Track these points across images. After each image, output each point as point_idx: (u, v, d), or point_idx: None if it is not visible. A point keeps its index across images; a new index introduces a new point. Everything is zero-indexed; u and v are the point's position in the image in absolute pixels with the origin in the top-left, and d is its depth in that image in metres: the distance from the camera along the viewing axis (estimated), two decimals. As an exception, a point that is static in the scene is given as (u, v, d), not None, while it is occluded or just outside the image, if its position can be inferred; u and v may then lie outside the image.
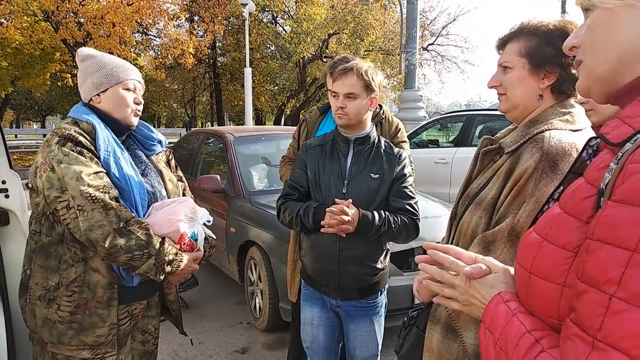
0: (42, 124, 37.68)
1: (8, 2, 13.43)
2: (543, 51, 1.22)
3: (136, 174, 1.63)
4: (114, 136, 1.63)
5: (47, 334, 1.55)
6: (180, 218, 1.61)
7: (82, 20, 15.11)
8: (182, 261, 1.60)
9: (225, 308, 4.13)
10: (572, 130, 1.21)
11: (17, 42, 15.38)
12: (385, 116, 2.55)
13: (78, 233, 1.46)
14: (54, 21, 14.71)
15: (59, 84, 19.44)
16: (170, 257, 1.56)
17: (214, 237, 1.87)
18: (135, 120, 1.69)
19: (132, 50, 17.88)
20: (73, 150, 1.48)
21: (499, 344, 0.72)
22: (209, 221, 1.80)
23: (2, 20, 14.47)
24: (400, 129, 2.58)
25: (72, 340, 1.54)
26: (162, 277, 1.57)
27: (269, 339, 3.54)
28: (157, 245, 1.53)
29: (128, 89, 1.65)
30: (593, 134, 1.27)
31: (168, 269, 1.55)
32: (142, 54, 21.26)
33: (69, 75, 17.91)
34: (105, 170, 1.52)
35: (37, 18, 15.59)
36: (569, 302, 0.63)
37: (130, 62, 1.78)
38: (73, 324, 1.54)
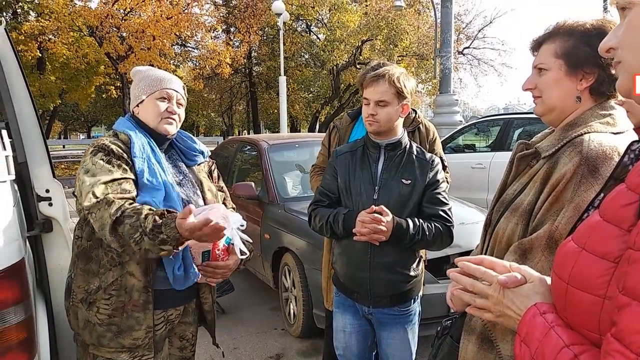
0: (88, 134, 39.39)
1: (55, 19, 14.15)
2: (580, 51, 1.17)
3: (172, 183, 1.66)
4: (153, 144, 1.67)
5: (88, 336, 1.61)
6: None
7: (124, 34, 15.76)
8: (175, 224, 1.35)
9: (260, 314, 4.16)
10: (613, 133, 1.15)
11: (64, 57, 16.18)
12: (422, 122, 2.53)
13: (99, 235, 1.50)
14: (98, 36, 15.39)
15: (103, 96, 20.33)
16: (149, 225, 1.37)
17: (250, 240, 1.86)
18: (170, 129, 1.70)
19: (171, 62, 18.49)
20: (102, 160, 1.54)
21: (535, 358, 0.69)
22: (242, 225, 1.80)
23: (50, 36, 15.25)
24: (436, 138, 2.56)
25: (110, 343, 1.59)
26: (164, 247, 1.38)
27: (303, 346, 3.53)
28: (146, 220, 1.38)
29: (162, 98, 1.69)
30: (636, 137, 1.20)
31: (150, 228, 1.36)
32: (181, 65, 21.92)
33: (113, 88, 18.68)
34: (133, 177, 1.56)
35: (82, 33, 16.35)
36: (610, 316, 0.59)
37: (170, 73, 1.83)
38: (111, 327, 1.58)
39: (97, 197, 1.46)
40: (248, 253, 1.78)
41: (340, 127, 2.60)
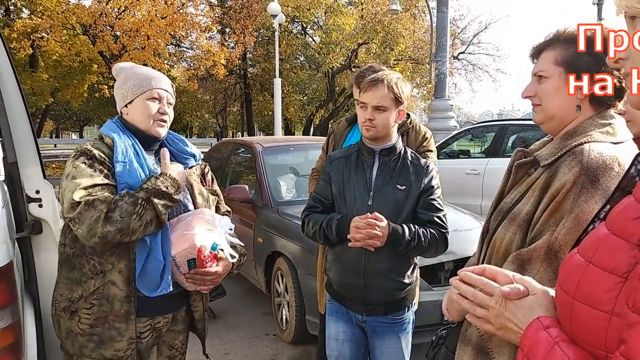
0: (80, 133, 39.10)
1: (49, 16, 14.05)
2: (581, 60, 1.16)
3: None
4: (138, 146, 1.62)
5: (71, 346, 1.57)
6: (194, 232, 1.57)
7: (118, 33, 15.68)
8: (169, 174, 1.56)
9: (252, 319, 4.12)
10: (613, 143, 1.14)
11: (57, 55, 16.06)
12: (413, 126, 2.48)
13: (86, 240, 1.45)
14: (91, 34, 15.32)
15: (96, 95, 20.18)
16: (155, 182, 1.51)
17: (242, 244, 1.82)
18: (161, 131, 1.66)
19: (165, 62, 18.42)
20: (84, 163, 1.50)
21: (538, 374, 0.67)
22: (230, 229, 1.77)
23: (43, 34, 15.13)
24: (427, 138, 2.49)
25: (92, 353, 1.55)
26: (176, 196, 1.54)
27: (295, 352, 3.50)
28: (142, 191, 1.50)
29: (153, 99, 1.64)
30: (635, 147, 1.20)
31: (163, 188, 1.51)
32: (175, 65, 21.85)
33: (106, 87, 18.56)
34: (114, 184, 1.52)
35: (75, 31, 16.26)
36: (618, 333, 0.57)
37: (164, 73, 1.78)
38: (93, 337, 1.54)
39: (77, 203, 1.43)
40: (237, 257, 1.74)
41: (337, 132, 2.58)
